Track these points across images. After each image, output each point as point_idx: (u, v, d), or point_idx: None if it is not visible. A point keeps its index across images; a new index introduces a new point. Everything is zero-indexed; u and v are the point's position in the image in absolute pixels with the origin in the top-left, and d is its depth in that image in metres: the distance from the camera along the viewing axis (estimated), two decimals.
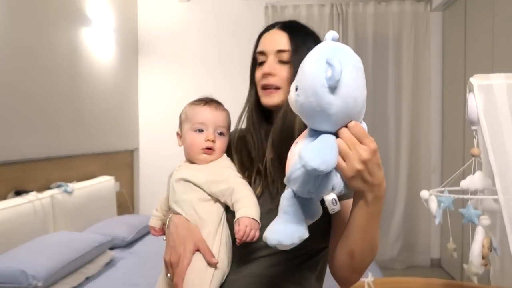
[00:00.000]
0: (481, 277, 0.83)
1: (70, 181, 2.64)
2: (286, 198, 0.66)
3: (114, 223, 2.74)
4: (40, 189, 2.37)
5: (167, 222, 0.95)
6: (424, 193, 0.78)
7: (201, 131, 0.96)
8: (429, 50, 3.63)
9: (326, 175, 0.62)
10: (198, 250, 0.86)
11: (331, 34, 0.64)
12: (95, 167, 3.08)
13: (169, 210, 1.03)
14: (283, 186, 0.77)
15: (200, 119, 0.97)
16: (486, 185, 0.74)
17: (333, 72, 0.57)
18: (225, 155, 1.00)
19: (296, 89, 0.62)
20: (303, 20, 4.08)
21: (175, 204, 0.94)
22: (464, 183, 0.74)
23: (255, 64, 0.97)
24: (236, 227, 0.82)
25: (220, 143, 0.97)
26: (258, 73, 0.94)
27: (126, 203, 3.59)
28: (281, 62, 0.92)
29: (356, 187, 0.66)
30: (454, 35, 3.37)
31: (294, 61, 0.89)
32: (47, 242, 2.00)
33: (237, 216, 0.83)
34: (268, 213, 0.84)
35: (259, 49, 0.95)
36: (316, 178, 0.62)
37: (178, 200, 0.94)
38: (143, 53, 3.87)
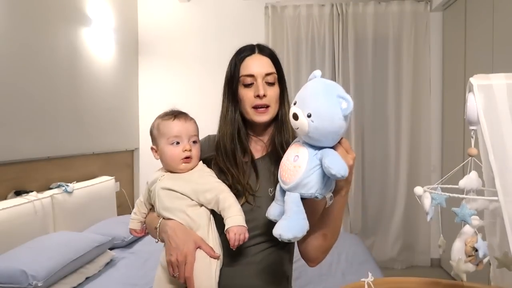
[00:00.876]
0: (480, 277, 0.83)
1: (70, 181, 2.64)
2: (292, 201, 0.81)
3: (114, 223, 2.73)
4: (40, 189, 2.38)
5: (158, 226, 1.05)
6: (418, 190, 0.79)
7: (178, 143, 1.06)
8: (429, 50, 3.63)
9: (330, 179, 0.82)
10: (199, 247, 0.99)
11: (319, 72, 0.85)
12: (95, 167, 3.08)
13: (148, 212, 1.17)
14: (269, 183, 1.07)
15: (174, 133, 1.07)
16: (479, 185, 0.74)
17: (348, 105, 0.77)
18: (201, 162, 1.10)
19: (309, 116, 0.78)
20: (303, 20, 4.10)
21: (165, 211, 1.04)
22: (462, 182, 0.74)
23: (235, 83, 1.08)
24: (228, 236, 0.94)
25: (196, 150, 1.08)
26: (249, 94, 1.07)
27: (126, 203, 3.59)
28: (268, 83, 1.07)
29: (341, 185, 0.88)
30: (454, 35, 3.37)
31: (279, 81, 1.09)
32: (47, 242, 2.00)
33: (226, 226, 0.95)
34: (252, 210, 1.04)
35: (247, 72, 1.07)
36: (323, 182, 0.80)
37: (168, 208, 1.03)
38: (143, 53, 3.87)
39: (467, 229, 0.75)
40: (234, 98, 1.09)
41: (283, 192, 0.85)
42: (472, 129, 0.77)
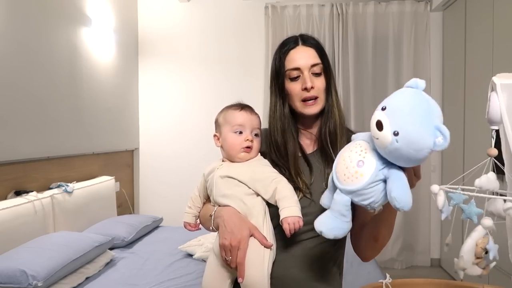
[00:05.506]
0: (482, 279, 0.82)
1: (70, 181, 2.64)
2: (343, 204, 0.80)
3: (114, 223, 2.74)
4: (40, 189, 2.38)
5: (213, 213, 1.06)
6: (434, 188, 0.76)
7: (241, 132, 1.10)
8: (429, 50, 3.63)
9: (386, 196, 0.76)
10: (252, 235, 0.99)
11: (424, 83, 0.74)
12: (95, 167, 3.08)
13: (204, 205, 1.18)
14: (322, 178, 1.06)
15: (239, 122, 1.10)
16: (496, 187, 0.71)
17: (444, 142, 0.68)
18: (259, 153, 1.13)
19: (396, 134, 0.69)
20: (303, 20, 4.08)
21: (223, 197, 1.06)
22: (479, 182, 0.70)
23: (281, 78, 1.08)
24: (284, 225, 0.96)
25: (257, 143, 1.11)
26: (296, 87, 1.06)
27: (126, 203, 3.59)
28: (315, 74, 1.06)
29: None
30: (454, 35, 3.37)
31: (325, 71, 1.07)
32: (47, 242, 2.00)
33: (281, 217, 0.97)
34: (310, 205, 1.04)
35: (292, 65, 1.06)
36: (380, 197, 0.77)
37: (226, 194, 1.05)
38: (143, 53, 3.87)
39: (479, 229, 0.72)
40: (282, 93, 1.09)
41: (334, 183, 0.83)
42: (493, 129, 0.74)
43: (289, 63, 1.07)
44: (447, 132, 0.68)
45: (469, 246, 0.73)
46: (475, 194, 0.71)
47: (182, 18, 3.83)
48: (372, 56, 3.63)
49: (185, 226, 1.19)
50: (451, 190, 0.75)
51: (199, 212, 1.18)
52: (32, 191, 2.23)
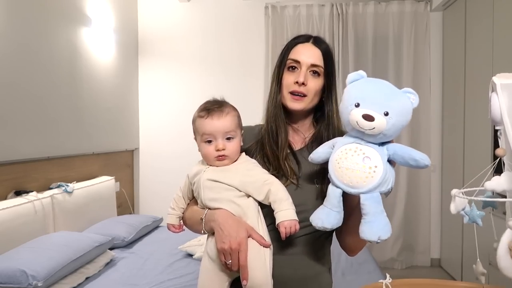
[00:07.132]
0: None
1: (70, 181, 2.64)
2: (377, 201, 0.82)
3: (114, 223, 2.74)
4: (40, 189, 2.38)
5: (204, 216, 1.03)
6: (454, 192, 0.76)
7: (210, 141, 1.05)
8: (429, 50, 3.63)
9: (393, 169, 0.87)
10: (250, 236, 0.98)
11: (364, 72, 0.89)
12: (95, 167, 3.08)
13: (188, 207, 1.14)
14: (311, 174, 1.06)
15: (207, 131, 1.04)
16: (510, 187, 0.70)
17: (416, 99, 0.83)
18: (243, 153, 1.09)
19: (387, 114, 0.79)
20: (303, 20, 4.06)
21: (213, 201, 1.02)
22: (490, 185, 0.69)
23: (283, 66, 1.10)
24: (279, 229, 0.96)
25: (231, 147, 1.05)
26: (290, 78, 1.08)
27: (126, 203, 3.59)
28: (313, 73, 1.07)
29: None
30: (454, 35, 3.37)
31: (326, 76, 1.08)
32: (47, 242, 2.00)
33: (277, 220, 0.97)
34: (296, 190, 1.04)
35: (294, 56, 1.08)
36: (393, 174, 0.86)
37: (216, 198, 1.02)
38: (143, 53, 3.87)
39: (508, 233, 0.71)
40: (280, 81, 1.11)
41: (341, 198, 0.86)
42: (498, 129, 0.74)
43: (293, 54, 1.09)
44: (412, 90, 0.83)
45: (502, 250, 0.71)
46: (499, 199, 0.69)
47: (182, 18, 3.83)
48: (372, 56, 3.63)
49: (168, 228, 1.16)
50: (462, 195, 0.74)
51: (182, 213, 1.16)
52: (32, 191, 2.23)
